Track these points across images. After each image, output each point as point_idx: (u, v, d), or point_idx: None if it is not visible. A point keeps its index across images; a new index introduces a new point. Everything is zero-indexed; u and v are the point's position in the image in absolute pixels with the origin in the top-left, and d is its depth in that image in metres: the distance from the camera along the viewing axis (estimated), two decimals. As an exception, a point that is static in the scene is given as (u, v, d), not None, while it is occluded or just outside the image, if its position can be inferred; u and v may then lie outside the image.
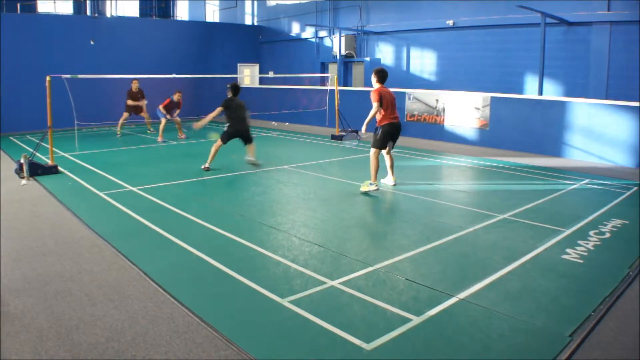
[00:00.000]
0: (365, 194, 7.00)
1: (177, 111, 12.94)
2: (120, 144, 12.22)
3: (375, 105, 6.85)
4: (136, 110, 13.82)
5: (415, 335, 3.25)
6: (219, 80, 18.46)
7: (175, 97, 12.70)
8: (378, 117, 7.05)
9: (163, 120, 12.67)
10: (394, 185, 7.49)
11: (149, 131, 14.47)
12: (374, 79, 7.07)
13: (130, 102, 13.54)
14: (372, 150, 7.14)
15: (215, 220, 5.69)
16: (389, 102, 6.93)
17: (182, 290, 3.89)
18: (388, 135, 7.05)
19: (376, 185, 7.06)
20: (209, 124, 8.94)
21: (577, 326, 3.34)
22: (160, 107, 12.66)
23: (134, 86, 13.59)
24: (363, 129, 7.23)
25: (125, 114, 13.88)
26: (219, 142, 8.66)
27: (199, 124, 8.65)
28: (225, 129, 8.60)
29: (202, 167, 8.71)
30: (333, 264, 4.47)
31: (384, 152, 7.36)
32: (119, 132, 14.06)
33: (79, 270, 4.32)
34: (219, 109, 8.44)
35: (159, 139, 12.62)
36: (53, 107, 8.54)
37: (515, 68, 13.36)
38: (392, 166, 7.54)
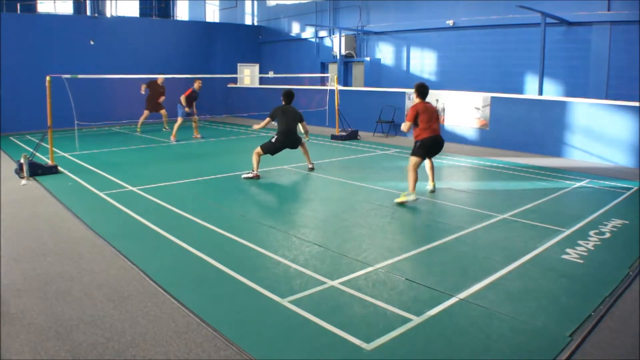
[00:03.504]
0: (401, 205, 6.46)
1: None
2: (121, 144, 12.22)
3: (407, 124, 6.62)
4: (156, 107, 13.76)
5: (415, 335, 3.25)
6: (219, 80, 18.51)
7: (196, 85, 12.35)
8: (415, 131, 6.69)
9: (180, 119, 12.44)
10: (432, 192, 7.05)
11: (164, 129, 14.47)
12: (414, 95, 6.76)
13: (183, 97, 13.48)
14: (412, 161, 6.64)
15: (215, 220, 5.69)
16: (425, 118, 6.56)
17: (182, 290, 3.89)
18: (426, 148, 6.67)
19: (415, 195, 6.51)
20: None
21: (577, 326, 3.34)
22: (182, 98, 12.26)
23: (160, 80, 13.48)
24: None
25: (146, 112, 13.84)
26: (260, 150, 8.05)
27: (256, 126, 8.54)
28: (272, 139, 8.11)
29: (244, 176, 8.09)
30: (333, 264, 4.47)
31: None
32: (138, 129, 14.16)
33: (79, 270, 4.32)
34: (267, 120, 8.17)
35: (172, 138, 12.43)
36: (53, 107, 8.53)
37: (515, 68, 13.35)
38: (432, 168, 7.14)
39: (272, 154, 8.27)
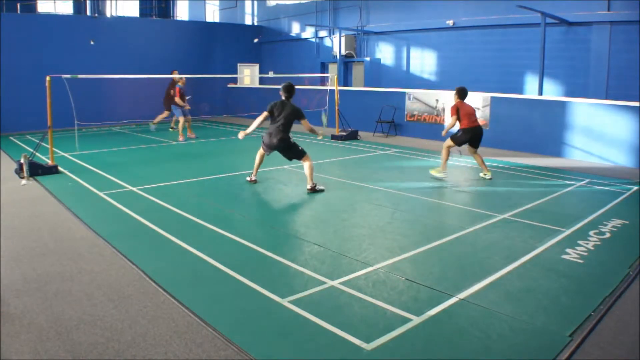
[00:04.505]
0: (436, 178, 8.04)
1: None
2: (121, 144, 12.22)
3: (452, 118, 7.93)
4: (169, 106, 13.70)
5: (415, 335, 3.25)
6: (219, 80, 18.51)
7: (181, 82, 12.42)
8: (460, 124, 7.98)
9: (181, 119, 12.50)
10: (490, 179, 8.06)
11: (171, 128, 14.47)
12: (455, 97, 8.08)
13: (178, 99, 13.45)
14: (448, 142, 8.11)
15: (215, 220, 5.69)
16: (465, 114, 7.88)
17: (182, 290, 3.89)
18: (467, 136, 7.98)
19: (444, 174, 8.05)
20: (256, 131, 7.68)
21: (577, 326, 3.34)
22: (177, 100, 12.36)
23: (176, 78, 13.40)
24: (443, 133, 8.50)
25: (166, 112, 13.79)
26: (261, 150, 7.46)
27: (242, 134, 7.41)
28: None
29: (247, 179, 7.76)
30: (333, 264, 4.47)
31: (471, 153, 8.29)
32: (154, 124, 14.27)
33: (79, 270, 4.32)
34: (263, 114, 7.21)
35: (180, 138, 12.54)
36: (53, 107, 8.54)
37: (515, 68, 13.35)
38: (482, 163, 8.21)
39: (267, 154, 7.54)
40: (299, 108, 7.27)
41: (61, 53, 15.50)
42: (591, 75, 11.94)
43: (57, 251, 4.78)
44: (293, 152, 7.30)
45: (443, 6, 14.73)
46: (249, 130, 7.32)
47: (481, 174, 8.23)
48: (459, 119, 7.88)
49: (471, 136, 7.98)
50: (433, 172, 8.15)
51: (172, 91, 13.00)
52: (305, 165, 7.25)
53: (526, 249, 4.80)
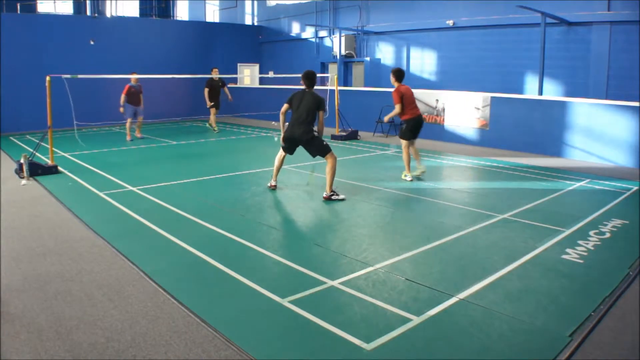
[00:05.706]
0: (407, 180, 7.84)
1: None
2: (121, 144, 12.22)
3: (397, 106, 7.50)
4: (217, 103, 13.59)
5: (415, 335, 3.25)
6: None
7: (132, 80, 12.17)
8: (401, 113, 7.61)
9: (129, 120, 12.47)
10: (423, 173, 7.99)
11: (209, 126, 14.48)
12: (392, 78, 7.67)
13: (210, 92, 13.26)
14: (403, 143, 7.90)
15: (215, 220, 5.69)
16: (408, 100, 7.54)
17: (182, 290, 3.89)
18: (411, 128, 7.73)
19: (410, 176, 7.85)
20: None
21: (577, 326, 3.34)
22: (122, 97, 12.17)
23: (215, 74, 13.27)
24: (385, 119, 8.34)
25: (214, 110, 13.71)
26: (280, 152, 7.04)
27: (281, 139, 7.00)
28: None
29: (268, 185, 7.35)
30: (333, 264, 4.47)
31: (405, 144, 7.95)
32: (216, 128, 14.23)
33: (79, 270, 4.32)
34: (284, 107, 6.76)
35: (128, 138, 12.65)
36: (53, 107, 8.54)
37: (515, 68, 13.36)
38: (417, 155, 8.01)
39: (289, 152, 7.00)
40: (321, 97, 6.65)
41: (61, 53, 15.50)
42: (591, 75, 11.94)
43: (57, 251, 4.78)
44: (316, 147, 6.62)
45: (443, 6, 14.74)
46: (282, 132, 6.89)
47: (417, 171, 7.87)
48: (403, 106, 7.49)
49: (413, 125, 7.65)
50: (403, 177, 7.95)
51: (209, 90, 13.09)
52: (328, 164, 6.58)
53: (526, 249, 4.80)
